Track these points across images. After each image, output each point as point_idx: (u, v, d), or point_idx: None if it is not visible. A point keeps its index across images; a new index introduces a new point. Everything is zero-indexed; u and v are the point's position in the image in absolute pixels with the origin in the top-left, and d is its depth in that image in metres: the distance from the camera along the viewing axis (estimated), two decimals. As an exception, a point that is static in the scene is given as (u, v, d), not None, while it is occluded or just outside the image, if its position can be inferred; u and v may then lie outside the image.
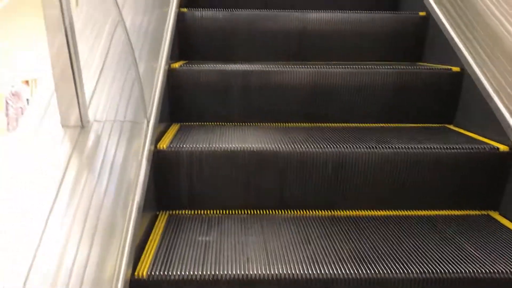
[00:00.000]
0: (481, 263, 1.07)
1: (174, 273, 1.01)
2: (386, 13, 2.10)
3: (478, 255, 1.11)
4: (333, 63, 1.79)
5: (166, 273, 1.01)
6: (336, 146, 1.36)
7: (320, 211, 1.37)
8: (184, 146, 1.35)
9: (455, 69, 1.68)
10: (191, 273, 1.01)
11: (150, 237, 1.18)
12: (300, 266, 1.04)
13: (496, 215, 1.38)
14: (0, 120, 9.19)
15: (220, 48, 2.04)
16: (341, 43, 2.05)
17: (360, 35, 2.04)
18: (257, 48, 2.04)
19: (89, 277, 0.73)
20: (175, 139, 1.41)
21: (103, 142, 0.93)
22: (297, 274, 1.02)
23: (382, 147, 1.36)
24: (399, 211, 1.38)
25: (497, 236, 1.23)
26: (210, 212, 1.36)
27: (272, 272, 1.02)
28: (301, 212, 1.37)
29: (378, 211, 1.38)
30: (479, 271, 1.04)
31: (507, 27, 1.46)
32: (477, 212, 1.39)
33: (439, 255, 1.11)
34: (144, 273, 1.00)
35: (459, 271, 1.04)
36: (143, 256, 1.08)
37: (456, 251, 1.13)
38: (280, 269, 1.03)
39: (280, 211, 1.37)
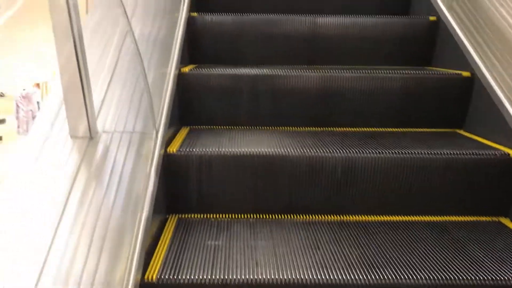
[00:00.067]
0: (491, 270, 1.07)
1: (184, 277, 1.02)
2: (396, 17, 2.10)
3: (488, 262, 1.10)
4: (342, 67, 1.79)
5: (175, 277, 1.02)
6: (345, 150, 1.36)
7: (329, 216, 1.37)
8: (194, 150, 1.35)
9: (465, 73, 1.67)
10: (201, 277, 1.02)
11: (160, 241, 1.19)
12: (309, 271, 1.04)
13: (507, 222, 1.36)
14: (10, 123, 9.29)
15: (229, 52, 2.05)
16: (350, 47, 2.05)
17: (369, 39, 2.04)
18: (267, 52, 2.05)
19: (99, 281, 0.73)
20: (185, 143, 1.42)
21: (111, 153, 0.93)
22: (306, 279, 1.02)
23: (392, 152, 1.36)
24: (408, 217, 1.38)
25: (508, 243, 1.22)
26: (219, 216, 1.37)
27: (281, 277, 1.02)
28: (310, 216, 1.37)
29: (387, 216, 1.38)
30: (489, 278, 1.03)
31: (518, 32, 1.46)
32: (488, 218, 1.38)
33: (449, 261, 1.10)
34: (154, 277, 1.01)
35: (469, 278, 1.03)
36: (152, 260, 1.08)
37: (466, 258, 1.13)
38: (289, 274, 1.03)
39: (288, 216, 1.37)
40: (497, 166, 1.37)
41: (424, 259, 1.11)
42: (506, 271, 1.06)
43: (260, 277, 1.02)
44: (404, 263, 1.09)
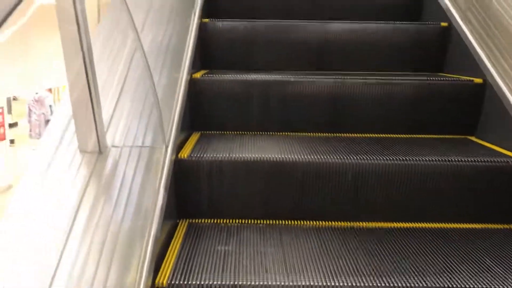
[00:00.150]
0: (502, 278, 1.06)
1: (194, 282, 1.02)
2: (408, 23, 2.09)
3: (497, 269, 1.10)
4: (353, 74, 1.80)
5: (186, 282, 1.02)
6: (355, 157, 1.36)
7: (338, 222, 1.37)
8: (205, 155, 1.36)
9: (477, 80, 1.66)
10: (211, 282, 1.02)
11: (170, 246, 1.20)
12: (318, 278, 1.04)
13: (519, 229, 1.36)
14: (23, 126, 9.38)
15: (240, 57, 2.06)
16: (361, 53, 2.05)
17: (381, 45, 2.04)
18: (277, 58, 2.05)
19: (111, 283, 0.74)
20: (196, 149, 1.43)
21: (121, 168, 0.93)
22: (316, 286, 1.02)
23: (402, 159, 1.36)
24: (419, 223, 1.37)
25: (520, 251, 1.21)
26: (229, 221, 1.37)
27: (291, 283, 1.02)
28: (320, 223, 1.37)
29: (397, 223, 1.37)
30: (501, 287, 1.02)
31: (530, 38, 1.45)
32: (499, 226, 1.37)
33: (459, 268, 1.10)
34: (164, 282, 1.02)
35: (480, 286, 1.02)
36: (163, 265, 1.09)
37: (476, 265, 1.12)
38: (299, 281, 1.03)
39: (299, 222, 1.37)
40: (508, 174, 1.36)
41: (434, 266, 1.11)
42: (518, 280, 1.05)
43: (269, 283, 1.02)
44: (414, 270, 1.08)
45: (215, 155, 1.36)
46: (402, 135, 1.70)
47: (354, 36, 2.04)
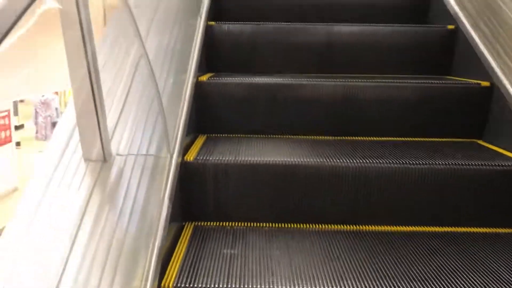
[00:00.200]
0: (509, 282, 1.05)
1: (200, 285, 1.02)
2: (414, 26, 2.09)
3: (506, 275, 1.09)
4: (359, 77, 1.79)
5: (191, 285, 1.02)
6: (361, 160, 1.36)
7: (345, 226, 1.36)
8: (211, 158, 1.36)
9: (485, 83, 1.65)
10: (217, 285, 1.02)
11: (176, 249, 1.19)
12: (324, 282, 1.04)
13: (527, 234, 1.34)
14: (29, 128, 9.43)
15: (246, 60, 2.06)
16: (367, 56, 2.04)
17: (387, 48, 2.03)
18: (284, 61, 2.05)
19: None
20: (202, 151, 1.43)
21: (125, 176, 0.92)
22: (323, 290, 1.01)
23: (409, 162, 1.35)
24: (426, 227, 1.36)
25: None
26: (235, 224, 1.37)
27: None
28: (326, 226, 1.36)
29: (404, 226, 1.36)
30: (510, 291, 1.02)
31: (539, 41, 1.44)
32: (509, 230, 1.36)
33: (466, 274, 1.09)
34: (170, 285, 1.01)
35: (488, 291, 1.02)
36: (169, 267, 1.09)
37: (485, 271, 1.11)
38: (305, 285, 1.03)
39: (304, 225, 1.37)
40: (517, 177, 1.35)
41: (441, 271, 1.10)
42: (527, 285, 1.04)
43: (275, 287, 1.02)
44: (421, 275, 1.07)
45: (221, 158, 1.36)
46: (410, 138, 1.69)
47: (360, 39, 2.03)
